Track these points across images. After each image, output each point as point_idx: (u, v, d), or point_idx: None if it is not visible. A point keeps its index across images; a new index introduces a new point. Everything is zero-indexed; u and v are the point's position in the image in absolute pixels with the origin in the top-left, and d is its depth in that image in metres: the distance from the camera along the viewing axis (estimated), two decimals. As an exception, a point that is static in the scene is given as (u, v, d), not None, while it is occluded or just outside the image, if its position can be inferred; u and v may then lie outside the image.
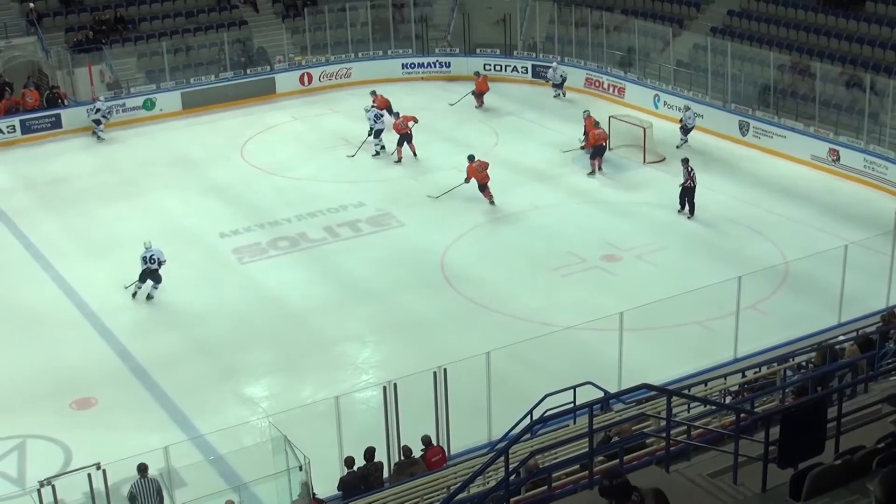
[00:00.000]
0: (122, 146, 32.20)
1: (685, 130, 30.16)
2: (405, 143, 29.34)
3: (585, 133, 29.28)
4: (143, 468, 14.02)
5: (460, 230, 24.96)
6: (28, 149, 32.20)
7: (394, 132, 29.45)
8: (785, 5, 33.68)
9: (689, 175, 25.14)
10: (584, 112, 29.87)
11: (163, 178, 29.04)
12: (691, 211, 25.16)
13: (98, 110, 32.42)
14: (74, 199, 27.68)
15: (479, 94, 34.44)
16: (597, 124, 28.95)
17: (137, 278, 21.83)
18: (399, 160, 29.41)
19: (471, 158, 26.57)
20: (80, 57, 34.87)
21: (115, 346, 20.20)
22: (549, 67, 35.57)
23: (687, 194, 25.26)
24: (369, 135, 30.09)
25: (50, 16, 36.35)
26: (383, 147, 30.02)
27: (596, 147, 28.28)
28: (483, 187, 26.20)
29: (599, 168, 28.31)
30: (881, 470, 7.63)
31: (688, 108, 30.44)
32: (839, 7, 32.15)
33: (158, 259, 21.77)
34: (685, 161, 25.50)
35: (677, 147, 29.59)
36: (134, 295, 21.89)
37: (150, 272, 21.82)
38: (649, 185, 27.41)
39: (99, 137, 32.39)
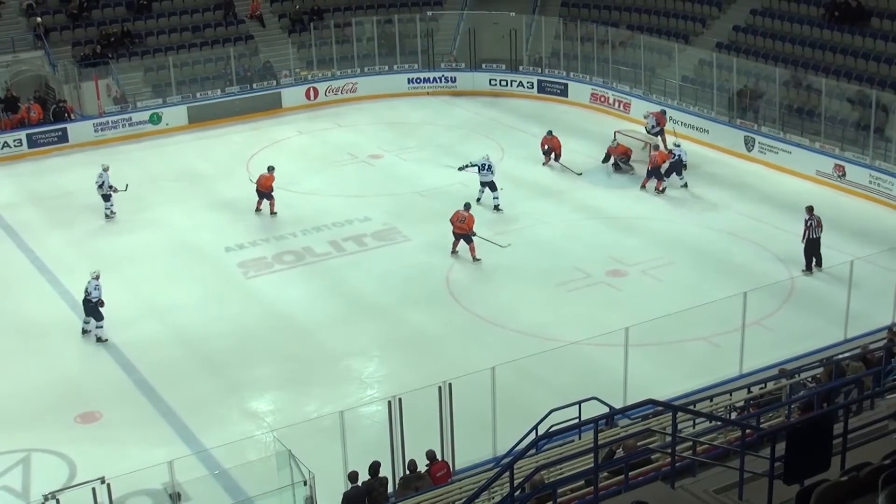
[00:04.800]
0: (129, 160, 32.22)
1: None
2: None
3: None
4: None
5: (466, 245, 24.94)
6: (34, 163, 32.32)
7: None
8: (790, 21, 33.75)
9: (816, 224, 22.71)
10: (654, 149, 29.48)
11: (169, 192, 29.10)
12: (818, 263, 22.74)
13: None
14: (81, 214, 27.73)
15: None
16: (655, 147, 29.02)
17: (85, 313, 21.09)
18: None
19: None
20: (86, 71, 35.01)
21: (120, 360, 20.21)
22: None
23: (813, 248, 22.75)
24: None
25: (57, 30, 36.52)
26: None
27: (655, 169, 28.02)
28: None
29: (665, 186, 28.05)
30: (889, 486, 7.62)
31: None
32: (844, 23, 32.21)
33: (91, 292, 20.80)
34: (810, 209, 22.94)
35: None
36: (84, 332, 21.13)
37: (89, 306, 20.97)
38: (655, 200, 27.42)
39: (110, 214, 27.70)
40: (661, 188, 27.85)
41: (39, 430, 17.89)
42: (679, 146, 28.66)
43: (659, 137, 30.35)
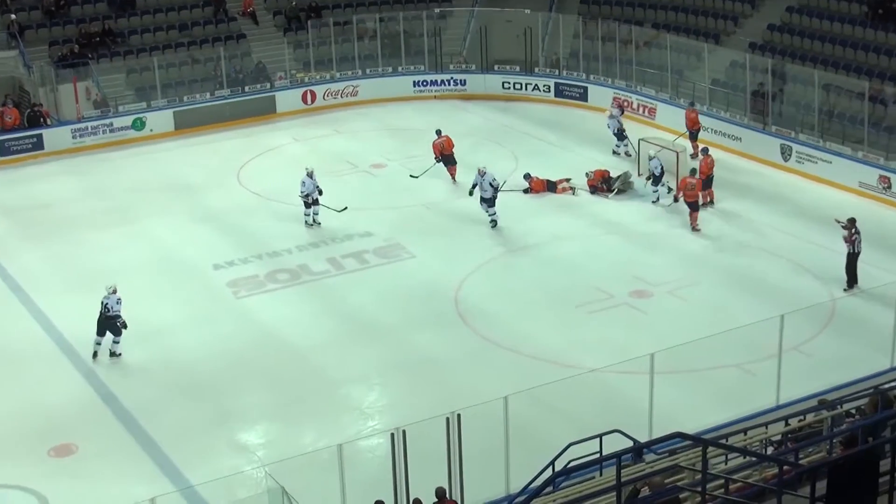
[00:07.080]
0: (110, 169, 32.39)
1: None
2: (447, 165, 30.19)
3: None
4: None
5: (475, 262, 24.98)
6: (7, 172, 32.41)
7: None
8: (830, 19, 33.79)
9: (855, 239, 22.78)
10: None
11: (153, 204, 29.16)
12: (855, 281, 22.95)
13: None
14: (57, 227, 27.81)
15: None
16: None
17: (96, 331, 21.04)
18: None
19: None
20: (64, 73, 35.16)
21: (99, 388, 20.21)
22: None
23: (854, 264, 22.92)
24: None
25: (33, 28, 36.70)
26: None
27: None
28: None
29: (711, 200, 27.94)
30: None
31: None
32: (889, 21, 32.21)
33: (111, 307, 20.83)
34: (853, 221, 22.93)
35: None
36: (95, 355, 21.08)
37: (107, 322, 20.95)
38: (682, 215, 27.36)
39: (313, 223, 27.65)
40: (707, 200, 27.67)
41: (9, 463, 17.87)
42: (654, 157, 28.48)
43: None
